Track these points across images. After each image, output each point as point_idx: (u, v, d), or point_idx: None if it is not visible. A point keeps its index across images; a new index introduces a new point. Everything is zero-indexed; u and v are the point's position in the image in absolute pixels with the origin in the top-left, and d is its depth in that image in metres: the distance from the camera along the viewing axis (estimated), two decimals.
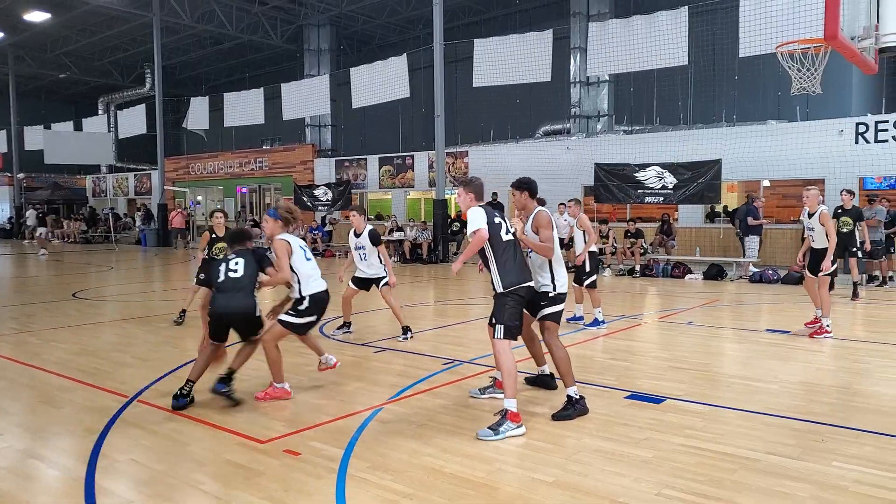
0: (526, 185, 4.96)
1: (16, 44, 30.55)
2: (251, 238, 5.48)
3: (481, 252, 4.61)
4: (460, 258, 4.70)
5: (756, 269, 13.55)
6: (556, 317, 4.89)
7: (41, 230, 24.51)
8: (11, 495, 3.49)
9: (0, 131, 33.71)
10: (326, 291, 5.29)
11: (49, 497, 3.52)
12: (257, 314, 5.10)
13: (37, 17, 25.31)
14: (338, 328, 7.89)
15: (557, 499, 3.37)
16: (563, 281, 4.90)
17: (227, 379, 4.98)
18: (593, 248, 8.49)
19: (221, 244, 7.75)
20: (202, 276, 7.86)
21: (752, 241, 13.76)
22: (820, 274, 7.47)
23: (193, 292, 8.31)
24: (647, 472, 3.68)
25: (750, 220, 13.65)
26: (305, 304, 5.15)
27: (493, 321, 4.58)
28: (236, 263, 5.06)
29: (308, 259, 5.26)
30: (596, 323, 8.22)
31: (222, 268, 5.08)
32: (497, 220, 4.61)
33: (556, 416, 4.64)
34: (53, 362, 6.49)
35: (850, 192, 11.32)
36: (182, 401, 4.89)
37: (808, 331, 7.67)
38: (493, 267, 4.58)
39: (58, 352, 7.02)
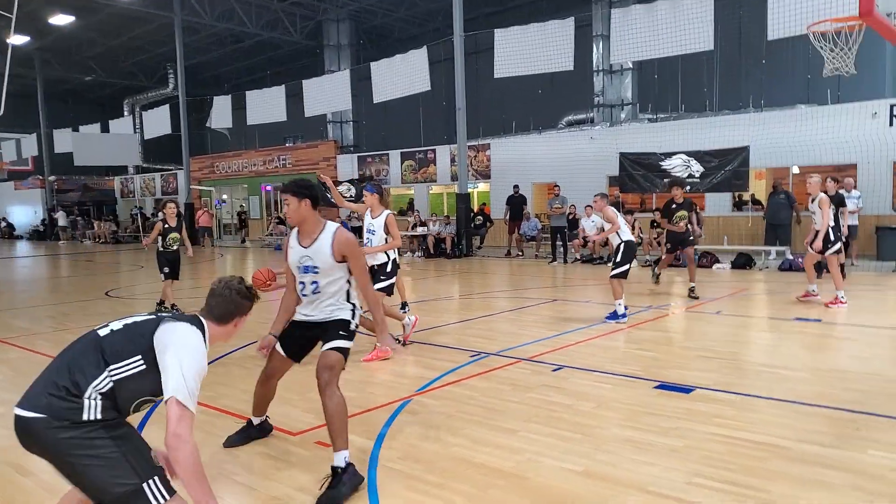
0: None
1: (42, 48, 31.20)
2: None
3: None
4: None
5: (787, 258, 13.32)
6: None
7: None
8: (54, 487, 3.60)
9: (30, 135, 34.54)
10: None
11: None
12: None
13: (61, 20, 25.78)
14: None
15: (587, 488, 3.38)
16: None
17: None
18: (629, 237, 8.12)
19: (174, 234, 8.20)
20: (167, 269, 8.34)
21: None
22: (827, 253, 8.60)
23: (167, 287, 8.71)
24: (678, 461, 3.66)
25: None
26: (389, 267, 6.43)
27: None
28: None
29: None
30: (615, 316, 7.91)
31: None
32: None
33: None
34: None
35: (835, 180, 11.27)
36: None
37: (832, 311, 8.23)
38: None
39: None
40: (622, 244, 8.04)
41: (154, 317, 2.71)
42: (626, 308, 7.99)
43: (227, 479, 3.63)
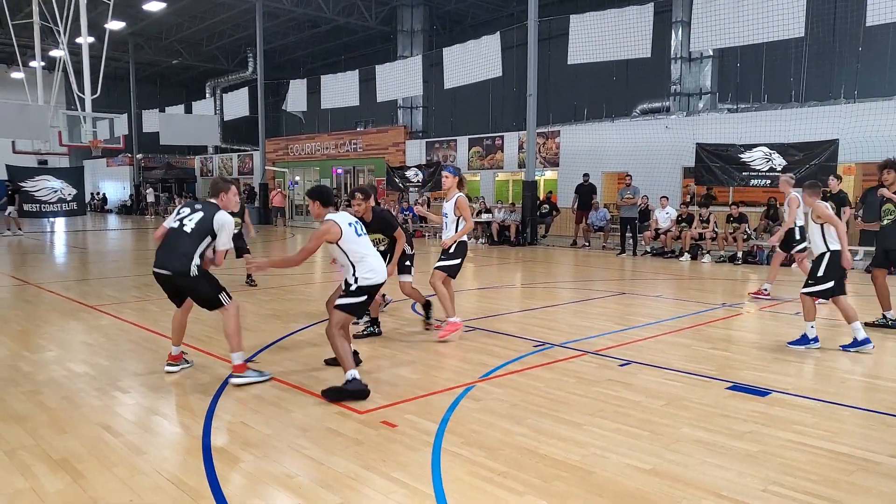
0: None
1: (135, 32, 32.87)
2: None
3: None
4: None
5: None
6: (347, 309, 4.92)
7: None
8: (139, 448, 3.82)
9: (122, 115, 36.45)
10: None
11: (171, 451, 3.83)
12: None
13: (154, 6, 27.04)
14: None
15: (656, 487, 3.29)
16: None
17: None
18: (838, 245, 6.23)
19: (236, 219, 9.19)
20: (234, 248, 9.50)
21: None
22: (794, 251, 8.92)
23: (247, 261, 9.90)
24: (752, 467, 3.52)
25: None
26: (452, 248, 6.71)
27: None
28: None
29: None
30: (804, 341, 6.28)
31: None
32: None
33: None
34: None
35: (838, 178, 11.12)
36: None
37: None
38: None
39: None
40: (828, 254, 6.20)
41: (202, 212, 5.10)
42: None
43: (296, 452, 3.75)
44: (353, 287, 4.85)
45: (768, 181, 14.68)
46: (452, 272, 6.68)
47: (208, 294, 5.03)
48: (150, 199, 34.75)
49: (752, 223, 14.96)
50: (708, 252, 14.45)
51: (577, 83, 23.57)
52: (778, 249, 9.22)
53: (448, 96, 26.21)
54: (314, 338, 6.62)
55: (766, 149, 14.78)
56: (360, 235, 4.94)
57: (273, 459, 3.65)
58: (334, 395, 4.60)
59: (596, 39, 17.75)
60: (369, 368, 5.44)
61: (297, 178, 32.38)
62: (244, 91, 30.94)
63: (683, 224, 15.03)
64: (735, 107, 19.16)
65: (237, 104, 31.26)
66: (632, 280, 11.72)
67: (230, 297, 5.09)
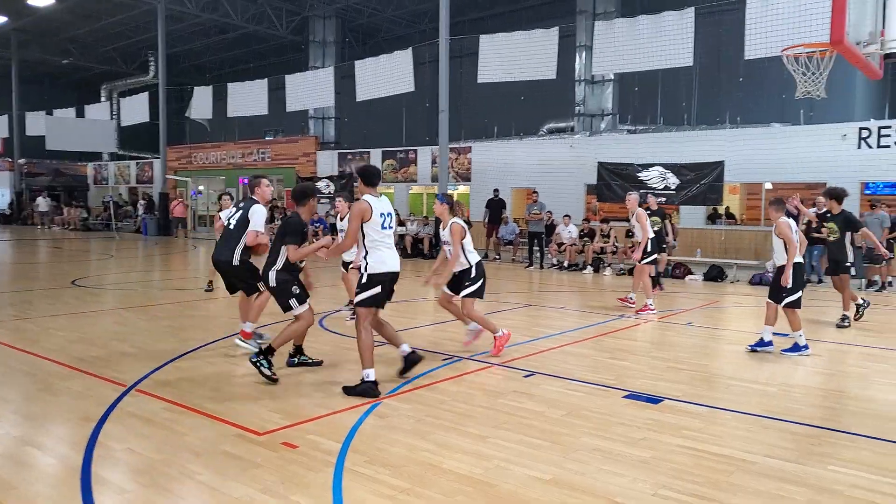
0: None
1: (19, 28, 30.43)
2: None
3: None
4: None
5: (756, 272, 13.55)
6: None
7: None
8: (8, 482, 3.49)
9: (1, 116, 33.64)
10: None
11: (45, 485, 3.52)
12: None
13: (41, 1, 25.19)
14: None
15: (554, 497, 3.38)
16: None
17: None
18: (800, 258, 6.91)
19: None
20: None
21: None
22: (643, 262, 9.43)
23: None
24: (645, 472, 3.69)
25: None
26: (473, 272, 6.75)
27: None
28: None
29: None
30: (796, 349, 6.71)
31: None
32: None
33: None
34: (52, 350, 6.49)
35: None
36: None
37: (643, 317, 8.96)
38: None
39: (56, 339, 7.02)
40: (792, 268, 6.73)
41: (242, 209, 6.32)
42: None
43: (188, 478, 3.55)
44: (364, 279, 5.14)
45: (664, 199, 15.59)
46: (480, 293, 6.63)
47: (246, 281, 6.36)
48: (44, 208, 31.92)
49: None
50: (609, 265, 15.12)
51: (487, 101, 24.13)
52: (639, 263, 9.52)
53: (362, 108, 26.05)
54: (212, 356, 6.34)
55: (661, 168, 15.72)
56: (384, 228, 5.19)
57: (162, 487, 3.44)
58: (348, 391, 5.10)
59: (505, 59, 18.31)
60: (272, 389, 5.27)
61: (202, 187, 31.07)
62: (144, 96, 29.42)
63: (586, 239, 15.68)
64: (634, 128, 20.27)
65: (136, 109, 29.67)
66: (539, 292, 12.06)
67: (260, 290, 6.29)
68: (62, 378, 5.49)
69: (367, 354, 5.08)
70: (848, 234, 8.53)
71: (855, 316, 8.62)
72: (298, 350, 5.99)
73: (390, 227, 5.25)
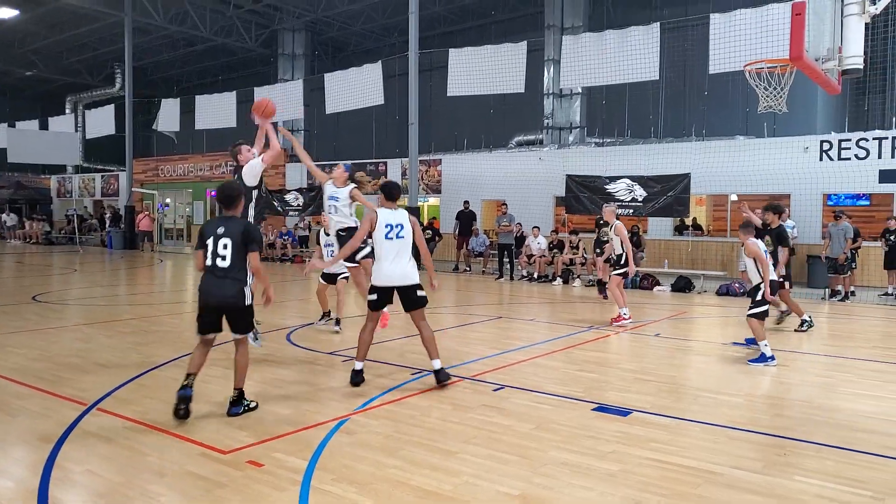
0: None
1: None
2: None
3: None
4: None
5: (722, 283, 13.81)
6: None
7: None
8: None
9: None
10: None
11: None
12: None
13: (4, 13, 24.67)
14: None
15: None
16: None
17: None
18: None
19: None
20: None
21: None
22: (614, 273, 9.51)
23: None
24: (613, 486, 3.69)
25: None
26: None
27: None
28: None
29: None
30: (763, 359, 6.86)
31: None
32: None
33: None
34: (9, 368, 6.27)
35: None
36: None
37: (621, 327, 9.12)
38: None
39: (14, 357, 6.79)
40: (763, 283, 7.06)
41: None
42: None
43: (150, 500, 3.45)
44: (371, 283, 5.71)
45: (631, 210, 15.82)
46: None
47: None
48: (11, 222, 31.04)
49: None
50: (578, 276, 15.25)
51: (457, 114, 24.26)
52: (612, 275, 9.60)
53: (331, 121, 25.98)
54: (177, 372, 6.18)
55: (628, 180, 15.93)
56: (388, 239, 5.57)
57: None
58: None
59: (474, 73, 18.47)
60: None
61: (168, 200, 30.57)
62: (110, 108, 28.88)
63: (555, 250, 15.81)
64: (601, 141, 20.57)
65: (102, 121, 29.10)
66: (509, 304, 12.09)
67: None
68: (20, 398, 5.30)
69: (361, 349, 5.78)
70: (782, 250, 8.64)
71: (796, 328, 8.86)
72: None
73: (397, 238, 5.62)
